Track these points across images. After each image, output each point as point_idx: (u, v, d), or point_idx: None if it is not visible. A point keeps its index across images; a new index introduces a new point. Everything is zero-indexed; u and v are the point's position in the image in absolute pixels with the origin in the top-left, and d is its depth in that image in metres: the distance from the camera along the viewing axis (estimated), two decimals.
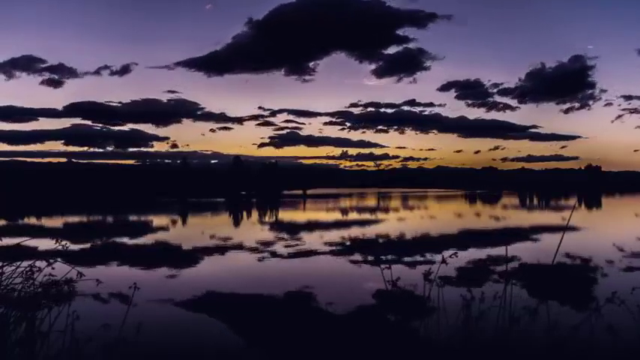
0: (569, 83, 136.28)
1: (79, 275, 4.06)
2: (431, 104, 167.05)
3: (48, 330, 3.78)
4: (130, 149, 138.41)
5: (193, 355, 5.61)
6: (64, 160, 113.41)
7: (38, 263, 4.16)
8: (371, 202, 49.72)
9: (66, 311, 3.91)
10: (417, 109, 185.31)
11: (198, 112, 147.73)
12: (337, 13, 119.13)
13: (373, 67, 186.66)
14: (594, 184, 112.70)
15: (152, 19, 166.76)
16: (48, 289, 3.98)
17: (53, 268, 4.12)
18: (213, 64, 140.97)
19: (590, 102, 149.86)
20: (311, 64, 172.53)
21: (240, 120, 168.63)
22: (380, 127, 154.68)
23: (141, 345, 5.39)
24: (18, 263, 4.15)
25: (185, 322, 6.93)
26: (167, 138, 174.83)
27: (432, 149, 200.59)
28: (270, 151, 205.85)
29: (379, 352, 5.36)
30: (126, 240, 16.99)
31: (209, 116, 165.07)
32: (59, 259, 4.33)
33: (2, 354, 3.65)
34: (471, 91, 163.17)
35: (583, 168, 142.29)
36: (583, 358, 4.16)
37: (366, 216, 29.82)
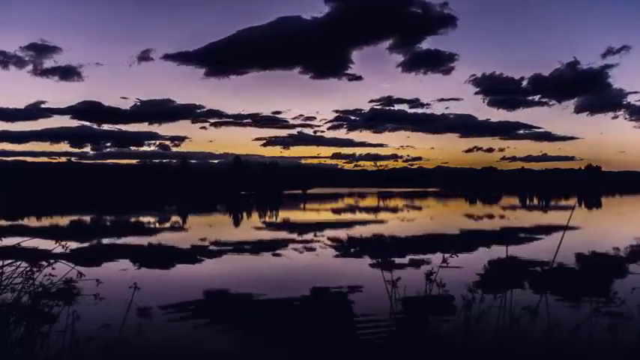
0: (587, 84, 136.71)
1: (79, 275, 4.06)
2: (451, 100, 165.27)
3: (48, 330, 3.78)
4: (132, 149, 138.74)
5: (194, 356, 5.61)
6: (63, 159, 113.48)
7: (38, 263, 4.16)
8: (370, 202, 49.72)
9: (66, 311, 3.91)
10: (430, 109, 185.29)
11: (198, 111, 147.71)
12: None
13: (400, 60, 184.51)
14: (594, 184, 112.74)
15: (163, 11, 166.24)
16: (48, 289, 3.98)
17: (53, 268, 4.12)
18: (224, 61, 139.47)
19: (608, 103, 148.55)
20: (351, 56, 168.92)
21: (252, 118, 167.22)
22: (392, 125, 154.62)
23: (141, 345, 5.40)
24: (18, 263, 4.15)
25: (185, 322, 6.93)
26: (168, 137, 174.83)
27: (440, 149, 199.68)
28: (273, 151, 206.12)
29: (380, 351, 5.36)
30: (126, 240, 16.99)
31: (213, 115, 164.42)
32: (59, 259, 4.33)
33: (2, 354, 3.65)
34: (491, 88, 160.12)
35: (583, 168, 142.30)
36: (583, 359, 4.16)
37: (365, 216, 29.82)
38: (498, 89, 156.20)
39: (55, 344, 3.76)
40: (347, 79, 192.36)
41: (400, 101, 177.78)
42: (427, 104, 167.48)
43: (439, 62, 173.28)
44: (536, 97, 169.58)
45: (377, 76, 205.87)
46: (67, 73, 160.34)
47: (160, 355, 5.54)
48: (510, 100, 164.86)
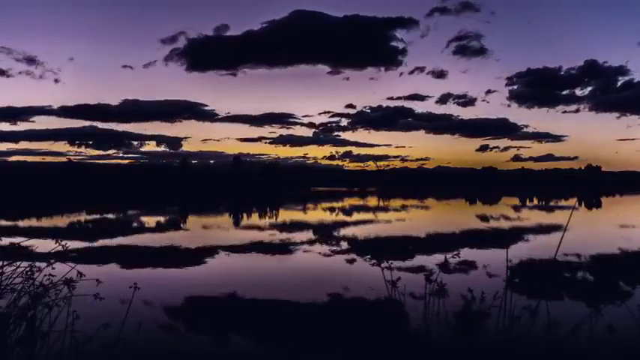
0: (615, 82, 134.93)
1: (79, 275, 4.06)
2: (474, 97, 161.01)
3: (48, 330, 3.78)
4: (133, 148, 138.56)
5: (194, 356, 5.61)
6: (64, 159, 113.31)
7: (38, 263, 4.17)
8: (369, 202, 49.71)
9: (66, 311, 3.91)
10: (454, 107, 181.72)
11: (202, 109, 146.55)
12: None
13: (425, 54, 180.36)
14: (594, 183, 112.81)
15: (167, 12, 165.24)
16: (48, 289, 3.98)
17: (53, 268, 4.13)
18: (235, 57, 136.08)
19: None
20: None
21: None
22: (407, 123, 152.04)
23: (141, 345, 5.40)
24: (18, 263, 4.16)
25: (186, 322, 6.93)
26: (171, 137, 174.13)
27: (451, 149, 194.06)
28: (278, 150, 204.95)
29: (380, 351, 5.36)
30: (126, 240, 16.99)
31: (218, 113, 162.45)
32: (59, 259, 4.33)
33: (2, 354, 3.65)
34: (521, 86, 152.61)
35: (583, 168, 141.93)
36: (583, 358, 4.16)
37: (364, 216, 29.82)
38: (529, 87, 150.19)
39: (55, 344, 3.76)
40: (368, 76, 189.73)
41: (424, 97, 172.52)
42: (456, 98, 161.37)
43: (472, 58, 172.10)
44: (566, 95, 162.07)
45: (399, 71, 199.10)
46: (70, 71, 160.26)
47: (160, 355, 5.54)
48: (540, 99, 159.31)
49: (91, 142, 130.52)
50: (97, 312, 4.91)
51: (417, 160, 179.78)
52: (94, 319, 3.97)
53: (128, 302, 4.19)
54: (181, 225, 23.77)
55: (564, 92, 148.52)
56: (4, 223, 23.57)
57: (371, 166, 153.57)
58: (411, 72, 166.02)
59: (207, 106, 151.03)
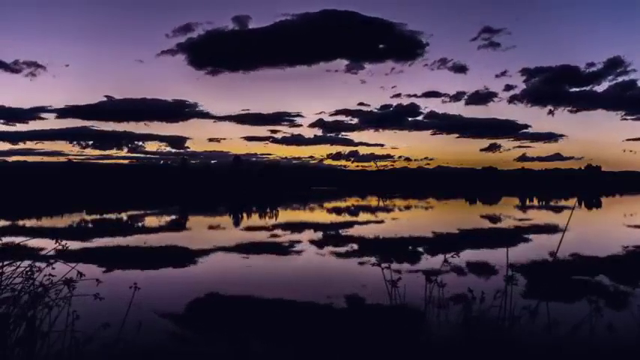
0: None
1: (79, 275, 4.06)
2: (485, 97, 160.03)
3: (48, 330, 3.78)
4: (133, 148, 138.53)
5: (194, 355, 5.61)
6: (64, 159, 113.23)
7: (38, 263, 4.17)
8: (369, 202, 49.71)
9: (66, 311, 3.91)
10: (468, 107, 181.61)
11: (197, 110, 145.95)
12: None
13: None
14: (595, 183, 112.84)
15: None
16: (48, 289, 3.98)
17: (53, 268, 4.13)
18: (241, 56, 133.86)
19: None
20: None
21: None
22: (414, 122, 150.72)
23: (141, 345, 5.40)
24: (18, 263, 4.15)
25: (186, 322, 6.93)
26: (170, 136, 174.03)
27: (455, 150, 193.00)
28: (279, 150, 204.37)
29: (380, 352, 5.36)
30: (126, 240, 16.99)
31: (218, 113, 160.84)
32: (59, 259, 4.33)
33: (2, 354, 3.65)
34: (535, 83, 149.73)
35: (583, 168, 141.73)
36: (583, 358, 4.17)
37: (364, 216, 29.81)
38: (545, 84, 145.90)
39: (55, 344, 3.76)
40: (387, 70, 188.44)
41: (440, 94, 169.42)
42: (471, 96, 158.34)
43: (496, 53, 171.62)
44: (582, 93, 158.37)
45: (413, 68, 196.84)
46: (72, 70, 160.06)
47: (160, 355, 5.55)
48: (555, 97, 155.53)
49: (91, 142, 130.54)
50: (97, 312, 4.91)
51: (422, 159, 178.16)
52: (94, 319, 3.96)
53: (128, 302, 4.19)
54: (181, 225, 23.77)
55: (582, 89, 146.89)
56: (4, 223, 23.57)
57: (371, 166, 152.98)
58: (433, 64, 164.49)
59: (212, 105, 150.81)
